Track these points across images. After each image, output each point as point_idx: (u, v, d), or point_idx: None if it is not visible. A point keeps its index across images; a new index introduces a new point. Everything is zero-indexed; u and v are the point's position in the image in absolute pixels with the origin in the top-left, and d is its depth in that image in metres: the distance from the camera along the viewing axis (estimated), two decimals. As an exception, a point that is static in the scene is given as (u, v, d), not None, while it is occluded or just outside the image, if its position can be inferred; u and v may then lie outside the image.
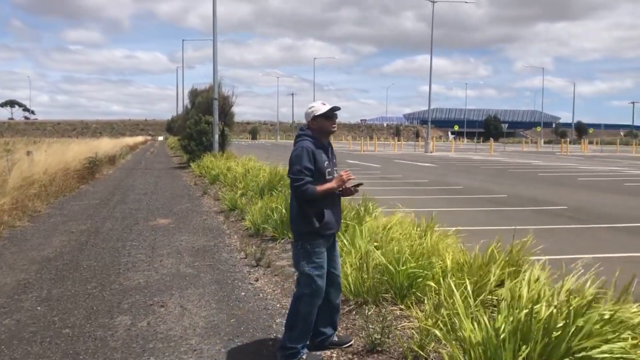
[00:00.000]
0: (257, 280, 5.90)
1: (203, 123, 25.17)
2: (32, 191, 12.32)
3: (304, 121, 3.93)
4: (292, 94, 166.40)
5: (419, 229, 6.66)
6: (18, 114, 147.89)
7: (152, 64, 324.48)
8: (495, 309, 4.18)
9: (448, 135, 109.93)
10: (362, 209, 7.75)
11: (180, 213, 10.89)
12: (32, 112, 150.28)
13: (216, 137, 23.30)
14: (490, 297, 4.38)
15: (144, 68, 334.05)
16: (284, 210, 7.93)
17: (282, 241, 7.53)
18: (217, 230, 9.00)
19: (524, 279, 3.94)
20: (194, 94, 34.56)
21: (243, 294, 5.43)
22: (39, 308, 4.95)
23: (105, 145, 34.12)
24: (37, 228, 9.15)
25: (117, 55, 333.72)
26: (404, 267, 4.73)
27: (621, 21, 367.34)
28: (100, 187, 16.32)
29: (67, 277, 6.01)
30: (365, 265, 4.95)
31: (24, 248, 7.54)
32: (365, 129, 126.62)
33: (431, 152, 43.81)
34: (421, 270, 4.73)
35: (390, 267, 4.75)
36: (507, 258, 4.80)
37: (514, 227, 9.20)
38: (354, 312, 4.64)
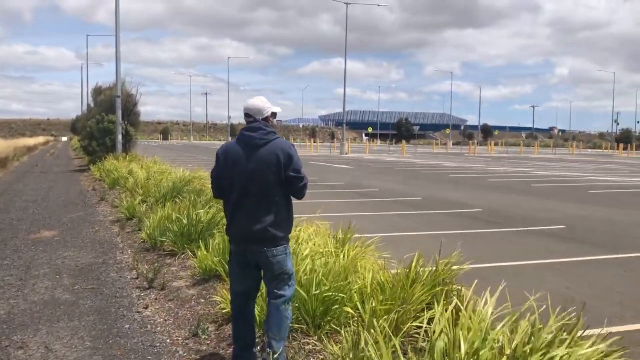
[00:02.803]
0: (146, 307, 5.02)
1: (106, 122, 23.47)
2: None
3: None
4: (206, 94, 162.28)
5: (334, 240, 6.04)
6: None
7: (57, 60, 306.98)
8: (422, 339, 3.61)
9: (362, 136, 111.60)
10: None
11: (70, 223, 9.68)
12: None
13: (119, 137, 21.75)
14: (416, 324, 3.80)
15: (48, 64, 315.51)
16: (184, 220, 7.05)
17: (181, 256, 6.66)
18: (109, 243, 7.95)
19: (460, 317, 3.34)
20: (97, 91, 32.43)
21: (127, 326, 4.54)
22: None
23: (-3, 146, 31.26)
24: None
25: (19, 50, 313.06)
26: (317, 291, 4.06)
27: (522, 30, 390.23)
28: (-18, 193, 14.54)
29: None
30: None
31: None
32: (281, 130, 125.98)
33: (346, 154, 43.82)
34: (337, 294, 4.07)
35: (302, 291, 4.05)
36: (434, 277, 4.24)
37: (434, 233, 8.88)
38: (258, 347, 3.90)
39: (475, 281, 4.37)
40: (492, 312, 3.50)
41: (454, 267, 4.50)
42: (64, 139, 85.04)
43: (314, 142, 60.71)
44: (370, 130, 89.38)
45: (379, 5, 45.94)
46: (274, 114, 3.64)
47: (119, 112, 21.94)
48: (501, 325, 3.31)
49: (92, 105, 33.54)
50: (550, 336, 3.12)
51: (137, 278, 5.98)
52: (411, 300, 3.91)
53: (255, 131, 3.49)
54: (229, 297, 3.88)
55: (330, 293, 4.06)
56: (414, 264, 4.44)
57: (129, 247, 7.67)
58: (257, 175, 3.43)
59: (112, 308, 4.99)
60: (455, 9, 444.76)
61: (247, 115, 3.57)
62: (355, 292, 4.21)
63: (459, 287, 4.28)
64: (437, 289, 4.16)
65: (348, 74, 47.29)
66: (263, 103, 3.58)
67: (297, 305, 4.05)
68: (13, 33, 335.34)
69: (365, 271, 4.65)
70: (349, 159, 36.42)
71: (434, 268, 4.40)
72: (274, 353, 3.43)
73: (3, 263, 6.66)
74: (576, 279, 6.45)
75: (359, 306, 4.03)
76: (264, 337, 3.73)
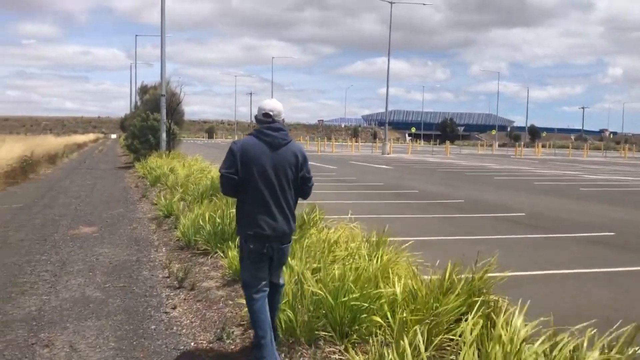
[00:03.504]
0: (174, 307, 4.95)
1: (151, 120, 23.89)
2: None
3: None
4: (250, 94, 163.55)
5: (368, 244, 5.85)
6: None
7: (109, 60, 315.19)
8: (454, 352, 3.40)
9: (405, 137, 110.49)
10: (307, 218, 6.89)
11: (110, 220, 9.80)
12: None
13: (163, 135, 22.09)
14: (448, 337, 3.59)
15: (100, 64, 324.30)
16: (218, 220, 7.00)
17: (214, 256, 6.60)
18: (145, 241, 7.98)
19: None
20: (143, 90, 33.19)
21: (153, 327, 4.48)
22: None
23: (50, 143, 32.27)
24: None
25: (73, 50, 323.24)
26: (345, 298, 3.89)
27: (572, 29, 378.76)
28: (30, 189, 14.97)
29: (-59, 304, 4.93)
30: (299, 293, 4.09)
31: None
32: (323, 130, 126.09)
33: (388, 154, 43.40)
34: (366, 303, 3.90)
35: (329, 298, 3.89)
36: (469, 286, 4.01)
37: (474, 238, 8.57)
38: (282, 355, 3.77)
39: (514, 291, 4.13)
40: (529, 326, 3.27)
41: (492, 275, 4.26)
42: (114, 136, 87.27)
43: (356, 142, 60.45)
44: (413, 130, 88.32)
45: (424, 4, 45.25)
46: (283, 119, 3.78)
47: (164, 111, 22.29)
48: (539, 342, 3.08)
49: (138, 103, 34.28)
50: (597, 355, 2.88)
51: (168, 277, 5.95)
52: (444, 311, 3.70)
53: (277, 131, 3.64)
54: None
55: (359, 302, 3.88)
56: (448, 272, 4.23)
57: (164, 245, 7.68)
58: (281, 174, 3.59)
59: (141, 308, 4.95)
60: (503, 8, 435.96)
61: (266, 115, 3.65)
62: (385, 300, 4.02)
63: (496, 298, 4.04)
64: (473, 299, 3.93)
65: (392, 73, 46.89)
66: (281, 107, 3.74)
67: (323, 312, 3.90)
68: (68, 34, 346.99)
69: (397, 277, 4.46)
70: (390, 159, 36.03)
71: (470, 276, 4.17)
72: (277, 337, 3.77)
73: (41, 258, 6.75)
74: (625, 291, 6.07)
75: (389, 315, 3.84)
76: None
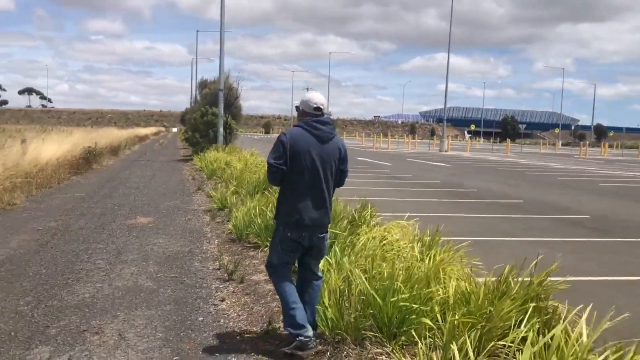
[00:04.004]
0: (223, 300, 4.95)
1: (209, 115, 24.31)
2: (15, 181, 11.52)
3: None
4: (307, 89, 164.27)
5: (420, 243, 5.68)
6: (36, 102, 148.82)
7: (171, 55, 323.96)
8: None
9: (464, 134, 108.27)
10: (359, 215, 6.77)
11: (166, 211, 9.99)
12: (49, 101, 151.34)
13: (221, 129, 22.43)
14: (502, 343, 3.39)
15: (163, 60, 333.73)
16: (269, 214, 6.98)
17: (264, 249, 6.59)
18: (198, 232, 8.07)
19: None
20: (202, 85, 33.83)
21: (201, 319, 4.48)
22: (-54, 331, 4.05)
23: (113, 135, 33.41)
24: (2, 224, 8.29)
25: (138, 46, 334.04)
26: (395, 298, 3.75)
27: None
28: (93, 179, 15.50)
29: (3, 288, 5.11)
30: (347, 292, 3.99)
31: (-26, 248, 6.68)
32: (380, 126, 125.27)
33: (446, 151, 42.60)
34: (415, 304, 3.75)
35: (377, 297, 3.77)
36: (527, 291, 3.79)
37: (533, 239, 8.20)
38: (327, 354, 3.68)
39: (575, 298, 3.88)
40: (593, 336, 3.05)
41: (552, 279, 4.02)
42: (174, 130, 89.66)
43: (413, 138, 59.68)
44: (472, 127, 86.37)
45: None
46: None
47: (221, 105, 22.63)
48: (604, 355, 2.86)
49: (198, 98, 35.00)
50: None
51: (218, 269, 5.97)
52: (498, 316, 3.51)
53: (326, 125, 3.74)
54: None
55: (408, 303, 3.73)
56: (505, 275, 4.02)
57: (217, 237, 7.74)
58: (327, 166, 3.72)
59: (190, 299, 4.98)
60: (570, 3, 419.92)
61: (317, 109, 3.75)
62: (436, 302, 3.86)
63: (556, 304, 3.80)
64: (530, 304, 3.71)
65: (452, 69, 45.92)
66: (325, 100, 3.87)
67: (371, 311, 3.78)
68: (133, 30, 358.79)
69: (449, 279, 4.29)
70: (448, 156, 35.33)
71: (528, 280, 3.95)
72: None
73: (97, 247, 6.93)
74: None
75: (439, 318, 3.68)
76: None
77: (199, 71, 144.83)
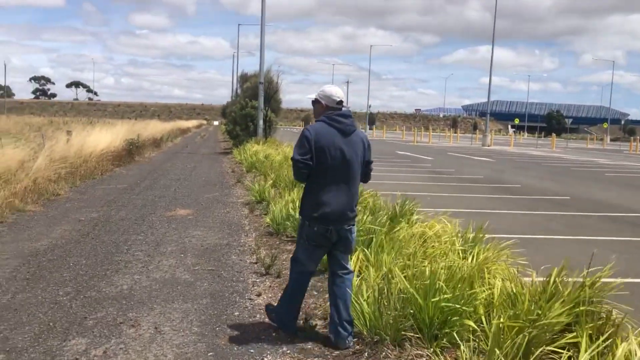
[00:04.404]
0: (259, 295, 4.88)
1: (249, 108, 24.41)
2: (60, 172, 11.78)
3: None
4: (347, 82, 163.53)
5: (463, 240, 5.49)
6: (82, 95, 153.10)
7: (214, 49, 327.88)
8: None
9: (508, 128, 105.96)
10: (399, 210, 6.60)
11: (205, 203, 10.02)
12: (95, 94, 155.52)
13: (260, 122, 22.48)
14: (550, 349, 3.20)
15: (206, 53, 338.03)
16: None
17: (302, 244, 6.49)
18: (236, 225, 8.04)
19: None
20: (243, 78, 33.97)
21: (237, 313, 4.42)
22: (-13, 319, 4.10)
23: (155, 128, 33.96)
24: (46, 214, 8.46)
25: (181, 40, 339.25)
26: (436, 298, 3.59)
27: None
28: (135, 170, 15.75)
29: (44, 278, 5.17)
30: (386, 290, 3.84)
31: (19, 237, 6.81)
32: (421, 119, 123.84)
33: (489, 146, 41.72)
34: (458, 305, 3.58)
35: (418, 297, 3.61)
36: (577, 293, 3.57)
37: (582, 238, 7.85)
38: (365, 354, 3.55)
39: (632, 302, 3.64)
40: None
41: (605, 281, 3.78)
42: (216, 123, 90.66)
43: (455, 132, 58.72)
44: (516, 121, 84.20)
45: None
46: None
47: (261, 99, 22.68)
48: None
49: (239, 91, 35.23)
50: None
51: (255, 263, 5.92)
52: (547, 320, 3.31)
53: (348, 118, 3.75)
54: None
55: (451, 303, 3.56)
56: (554, 275, 3.80)
57: (254, 230, 7.70)
58: (353, 159, 3.71)
59: (226, 293, 4.93)
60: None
61: (340, 102, 3.77)
62: (480, 303, 3.68)
63: (609, 309, 3.57)
64: (581, 308, 3.49)
65: (496, 62, 44.88)
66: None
67: (411, 311, 3.63)
68: (177, 24, 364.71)
69: (494, 279, 4.10)
70: (491, 151, 34.58)
71: (579, 282, 3.72)
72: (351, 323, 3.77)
73: (137, 238, 6.97)
74: None
75: (484, 320, 3.51)
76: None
77: (240, 65, 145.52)
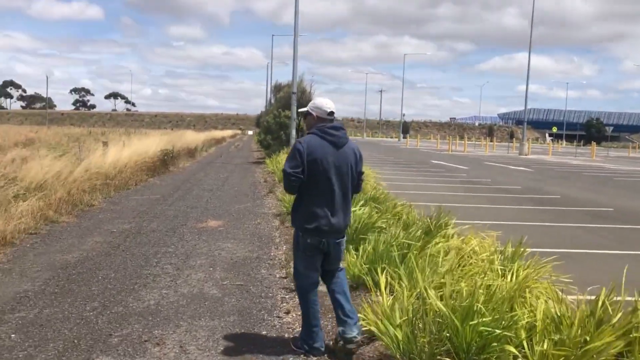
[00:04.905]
0: (288, 312, 4.72)
1: (282, 117, 24.42)
2: (95, 183, 11.91)
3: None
4: (381, 91, 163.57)
5: (502, 256, 5.23)
6: (121, 105, 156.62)
7: (248, 60, 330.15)
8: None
9: (545, 137, 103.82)
10: (434, 223, 6.37)
11: (236, 214, 9.95)
12: (133, 104, 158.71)
13: (293, 132, 22.42)
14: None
15: (241, 64, 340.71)
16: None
17: (333, 258, 6.31)
18: (267, 237, 7.92)
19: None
20: (277, 88, 34.07)
21: (264, 332, 4.27)
22: (13, 336, 4.04)
23: (190, 138, 34.33)
24: (79, 225, 8.50)
25: (216, 51, 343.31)
26: (474, 322, 3.37)
27: None
28: (168, 180, 15.84)
29: (72, 292, 5.12)
30: (421, 311, 3.63)
31: (51, 249, 6.82)
32: (456, 128, 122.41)
33: (526, 155, 40.83)
34: (498, 329, 3.34)
35: (455, 319, 3.40)
36: (629, 318, 3.30)
37: (630, 253, 7.44)
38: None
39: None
40: None
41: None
42: (250, 132, 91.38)
43: (491, 141, 57.76)
44: (554, 130, 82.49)
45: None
46: None
47: (294, 108, 22.62)
48: None
49: (272, 101, 35.38)
50: None
51: (285, 277, 5.77)
52: (596, 348, 3.06)
53: (339, 130, 3.78)
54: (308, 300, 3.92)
55: (490, 328, 3.33)
56: (602, 297, 3.54)
57: (285, 242, 7.56)
58: (344, 172, 3.75)
59: (254, 310, 4.78)
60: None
61: (331, 113, 3.82)
62: (521, 327, 3.44)
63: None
64: (634, 335, 3.22)
65: (533, 70, 44.04)
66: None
67: (447, 335, 3.41)
68: (213, 36, 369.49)
69: (536, 299, 3.84)
70: (528, 160, 33.80)
71: (630, 302, 3.45)
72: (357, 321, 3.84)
73: (167, 251, 6.91)
74: None
75: (525, 345, 3.26)
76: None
77: (275, 75, 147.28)
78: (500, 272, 4.63)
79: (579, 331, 3.27)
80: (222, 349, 3.91)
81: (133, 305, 4.78)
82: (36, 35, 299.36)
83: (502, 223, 8.92)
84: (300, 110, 4.04)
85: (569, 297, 4.17)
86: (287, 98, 25.24)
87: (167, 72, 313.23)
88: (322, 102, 3.85)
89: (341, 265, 4.02)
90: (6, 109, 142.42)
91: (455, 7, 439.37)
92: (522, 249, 5.39)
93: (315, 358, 3.77)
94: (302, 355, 3.81)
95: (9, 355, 3.71)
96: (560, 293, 4.07)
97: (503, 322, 3.44)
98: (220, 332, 4.24)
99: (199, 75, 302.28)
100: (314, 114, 3.82)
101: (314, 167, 3.65)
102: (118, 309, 4.69)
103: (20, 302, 4.80)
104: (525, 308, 3.72)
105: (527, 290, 4.12)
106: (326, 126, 3.75)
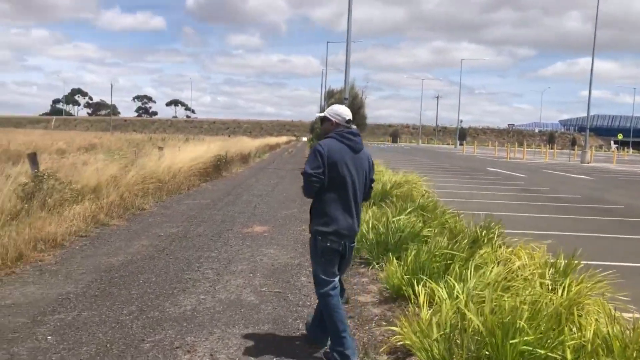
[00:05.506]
0: (324, 322, 4.58)
1: (334, 124, 24.34)
2: (148, 187, 12.16)
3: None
4: (437, 97, 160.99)
5: (553, 269, 4.92)
6: (181, 112, 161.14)
7: (304, 67, 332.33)
8: None
9: (610, 144, 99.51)
10: (482, 233, 6.10)
11: (282, 220, 9.90)
12: (193, 112, 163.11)
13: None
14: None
15: (297, 71, 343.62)
16: (381, 229, 6.53)
17: (376, 267, 6.15)
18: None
19: None
20: (329, 95, 34.23)
21: (297, 342, 4.15)
22: (49, 337, 4.08)
23: (245, 144, 34.81)
24: (129, 229, 8.65)
25: (273, 59, 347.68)
26: (516, 340, 3.13)
27: None
28: (220, 186, 16.02)
29: (111, 295, 5.16)
30: (459, 327, 3.42)
31: (98, 252, 6.95)
32: (515, 135, 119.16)
33: (588, 163, 39.17)
34: (543, 350, 3.09)
35: (494, 337, 3.17)
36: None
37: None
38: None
39: None
40: None
41: None
42: (304, 139, 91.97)
43: (551, 148, 55.81)
44: (620, 137, 79.00)
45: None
46: None
47: (346, 114, 22.54)
48: None
49: (325, 108, 35.38)
50: None
51: (325, 286, 5.62)
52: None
53: (357, 136, 3.87)
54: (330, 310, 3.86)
55: (533, 348, 3.09)
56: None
57: (329, 250, 7.42)
58: (359, 176, 3.83)
59: (290, 319, 4.67)
60: None
61: (349, 120, 3.91)
62: (569, 347, 3.17)
63: None
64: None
65: (597, 75, 42.30)
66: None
67: (487, 353, 3.19)
68: (270, 44, 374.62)
69: (587, 317, 3.56)
70: (590, 168, 32.38)
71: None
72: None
73: (210, 255, 6.91)
74: None
75: (573, 368, 3.01)
76: None
77: (329, 81, 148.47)
78: (550, 287, 4.34)
79: (634, 354, 2.99)
80: (252, 359, 3.82)
81: (169, 311, 4.77)
82: (103, 45, 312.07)
83: (557, 233, 8.50)
84: (318, 115, 4.10)
85: (625, 316, 3.86)
86: (339, 104, 25.20)
87: (226, 80, 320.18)
88: (341, 109, 3.95)
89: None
90: (74, 115, 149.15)
91: (515, 12, 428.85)
92: (575, 262, 5.07)
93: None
94: (334, 369, 3.67)
95: (42, 357, 3.74)
96: (614, 311, 3.76)
97: (548, 342, 3.19)
98: (252, 340, 4.14)
99: (256, 83, 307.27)
100: (333, 120, 3.90)
101: (333, 169, 3.70)
102: (154, 313, 4.68)
103: (61, 303, 4.87)
104: (574, 327, 3.45)
105: (578, 307, 3.83)
106: (345, 131, 3.84)
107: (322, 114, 3.99)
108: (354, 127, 3.97)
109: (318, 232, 3.76)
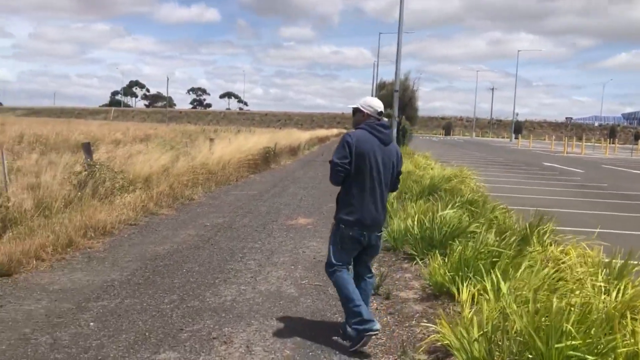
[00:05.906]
0: (362, 318, 4.49)
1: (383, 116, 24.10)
2: (198, 177, 12.36)
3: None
4: (492, 89, 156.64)
5: (607, 269, 4.66)
6: (234, 104, 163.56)
7: (356, 59, 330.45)
8: None
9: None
10: (532, 230, 5.86)
11: (327, 212, 9.83)
12: (245, 104, 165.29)
13: (394, 130, 22.06)
14: None
15: (348, 63, 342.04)
16: (427, 223, 6.37)
17: (419, 263, 6.00)
18: (354, 238, 7.72)
19: None
20: (380, 86, 33.99)
21: (335, 338, 4.08)
22: (92, 324, 4.16)
23: (294, 136, 34.93)
24: (176, 218, 8.79)
25: (325, 50, 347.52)
26: (561, 344, 2.96)
27: None
28: (268, 177, 16.12)
29: (154, 283, 5.23)
30: (502, 327, 3.27)
31: (145, 240, 7.08)
32: (573, 128, 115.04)
33: (652, 158, 37.36)
34: (591, 356, 2.91)
35: (538, 339, 3.00)
36: None
37: None
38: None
39: None
40: None
41: None
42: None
43: (612, 143, 53.58)
44: (688, 131, 74.89)
45: None
46: None
47: (396, 106, 22.28)
48: None
49: (376, 99, 35.11)
50: None
51: (366, 281, 5.53)
52: None
53: (387, 129, 3.95)
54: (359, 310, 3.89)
55: (580, 353, 2.91)
56: None
57: (373, 244, 7.31)
58: (387, 168, 3.87)
59: (328, 312, 4.61)
60: None
61: (380, 113, 3.96)
62: (621, 355, 2.97)
63: None
64: None
65: (662, 64, 40.07)
66: None
67: (530, 356, 3.03)
68: (322, 36, 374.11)
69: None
70: (654, 164, 30.84)
71: None
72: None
73: (254, 246, 6.93)
74: None
75: (624, 377, 2.81)
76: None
77: (381, 73, 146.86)
78: (603, 288, 4.11)
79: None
80: (288, 352, 3.78)
81: (209, 301, 4.79)
82: (160, 38, 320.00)
83: (614, 232, 8.11)
84: (350, 105, 4.15)
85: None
86: (389, 96, 24.97)
87: (277, 72, 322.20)
88: (373, 101, 3.98)
89: (372, 268, 4.18)
90: (131, 107, 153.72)
91: (577, 1, 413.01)
92: (632, 263, 4.78)
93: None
94: (370, 366, 3.58)
95: (83, 343, 3.81)
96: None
97: (598, 347, 3.00)
98: (289, 333, 4.11)
99: (307, 75, 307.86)
100: (365, 111, 3.94)
101: (360, 160, 3.75)
102: (194, 303, 4.71)
103: (106, 290, 4.97)
104: (627, 330, 3.23)
105: (633, 311, 3.60)
106: (375, 123, 3.89)
107: (355, 106, 4.02)
108: (385, 119, 4.00)
109: (342, 221, 3.84)
